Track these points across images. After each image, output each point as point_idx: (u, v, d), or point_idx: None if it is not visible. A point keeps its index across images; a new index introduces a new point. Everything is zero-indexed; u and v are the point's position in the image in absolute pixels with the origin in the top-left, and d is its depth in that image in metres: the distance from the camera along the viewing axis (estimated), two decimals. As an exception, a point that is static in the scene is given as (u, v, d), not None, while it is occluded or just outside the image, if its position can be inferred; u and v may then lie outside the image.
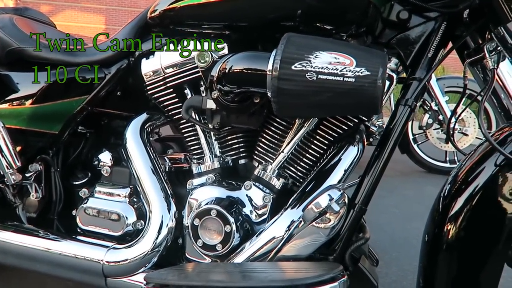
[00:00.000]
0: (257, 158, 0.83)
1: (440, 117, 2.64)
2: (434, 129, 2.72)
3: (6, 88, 0.92)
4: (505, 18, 0.66)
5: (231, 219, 0.73)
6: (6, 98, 0.91)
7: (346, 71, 0.59)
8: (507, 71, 0.76)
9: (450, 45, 0.81)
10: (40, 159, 0.92)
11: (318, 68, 0.59)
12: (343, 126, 0.78)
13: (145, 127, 0.89)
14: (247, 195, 0.78)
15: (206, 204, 0.76)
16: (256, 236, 0.74)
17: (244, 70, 0.69)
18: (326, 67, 0.59)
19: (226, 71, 0.71)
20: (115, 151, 0.93)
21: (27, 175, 0.91)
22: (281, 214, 0.74)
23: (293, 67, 0.60)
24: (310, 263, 0.68)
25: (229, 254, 0.75)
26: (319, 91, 0.60)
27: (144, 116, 0.90)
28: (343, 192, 0.68)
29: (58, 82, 0.90)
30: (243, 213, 0.76)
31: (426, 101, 2.67)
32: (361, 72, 0.59)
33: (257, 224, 0.76)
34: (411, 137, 2.78)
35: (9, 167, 0.87)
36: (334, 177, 0.76)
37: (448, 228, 0.73)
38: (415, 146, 2.78)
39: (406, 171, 2.85)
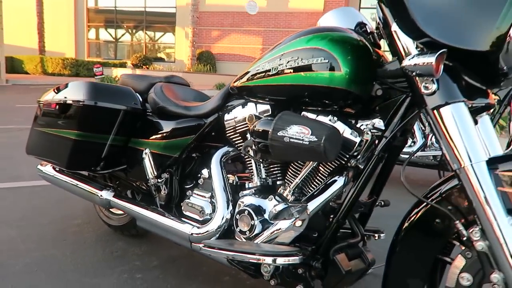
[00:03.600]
0: (285, 181, 1.29)
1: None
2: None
3: (154, 129, 1.60)
4: (424, 104, 0.97)
5: (255, 217, 1.22)
6: (153, 135, 1.59)
7: (305, 137, 1.02)
8: None
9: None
10: (168, 171, 1.58)
11: (290, 135, 1.04)
12: (332, 166, 1.18)
13: (223, 156, 1.44)
14: (269, 204, 1.25)
15: (244, 206, 1.27)
16: (269, 228, 1.21)
17: (261, 130, 1.18)
18: (294, 134, 1.04)
19: (254, 129, 1.21)
20: (210, 169, 1.51)
21: (160, 180, 1.57)
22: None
23: (278, 134, 1.07)
24: (291, 247, 1.12)
25: (254, 237, 1.23)
26: (291, 148, 1.05)
27: (224, 149, 1.46)
28: (304, 206, 1.10)
29: (180, 126, 1.53)
30: (264, 214, 1.24)
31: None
32: (312, 138, 1.01)
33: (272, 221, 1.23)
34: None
35: (151, 175, 1.55)
36: (322, 197, 1.17)
37: (395, 238, 1.07)
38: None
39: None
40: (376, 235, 1.34)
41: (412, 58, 0.91)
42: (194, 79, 12.67)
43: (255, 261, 1.13)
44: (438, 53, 0.86)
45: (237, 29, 16.83)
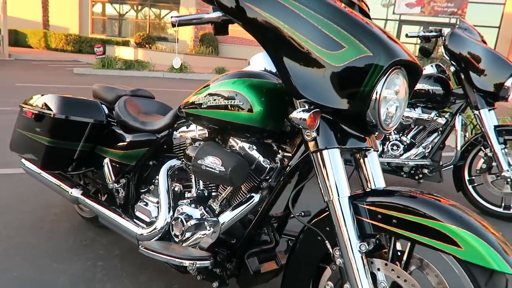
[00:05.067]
0: (218, 194, 1.54)
1: (494, 164, 2.75)
2: (489, 174, 2.83)
3: (116, 140, 1.85)
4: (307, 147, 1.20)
5: (186, 224, 1.48)
6: (114, 145, 1.84)
7: (216, 166, 1.27)
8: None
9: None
10: (125, 176, 1.83)
11: (206, 163, 1.29)
12: (249, 186, 1.43)
13: (170, 167, 1.69)
14: (199, 213, 1.51)
15: (179, 214, 1.53)
16: (195, 235, 1.47)
17: (189, 154, 1.42)
18: (209, 163, 1.29)
19: (186, 152, 1.45)
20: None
21: (118, 185, 1.83)
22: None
23: (198, 161, 1.32)
24: (204, 252, 1.38)
25: (184, 241, 1.50)
26: (206, 173, 1.30)
27: (172, 161, 1.70)
28: (216, 220, 1.36)
29: (136, 140, 1.78)
30: (194, 221, 1.49)
31: (482, 148, 2.81)
32: (222, 168, 1.26)
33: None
34: (467, 178, 2.93)
35: (110, 180, 1.81)
36: (233, 213, 1.41)
37: (293, 245, 1.32)
38: (470, 187, 2.92)
39: (460, 209, 3.00)
40: (297, 240, 1.59)
41: (298, 112, 1.14)
42: (195, 61, 12.82)
43: (178, 264, 1.40)
44: (312, 111, 1.09)
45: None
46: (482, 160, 2.83)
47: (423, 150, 2.94)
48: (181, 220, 1.50)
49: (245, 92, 1.31)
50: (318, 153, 1.16)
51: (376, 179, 1.26)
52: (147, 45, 16.58)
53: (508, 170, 2.67)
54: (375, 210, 1.11)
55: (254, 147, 1.40)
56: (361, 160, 1.29)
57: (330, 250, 1.17)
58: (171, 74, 11.18)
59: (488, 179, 2.83)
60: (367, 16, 1.29)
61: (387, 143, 3.06)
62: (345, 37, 1.06)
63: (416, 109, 2.99)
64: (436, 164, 2.94)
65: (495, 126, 2.74)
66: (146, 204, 1.74)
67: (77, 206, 2.30)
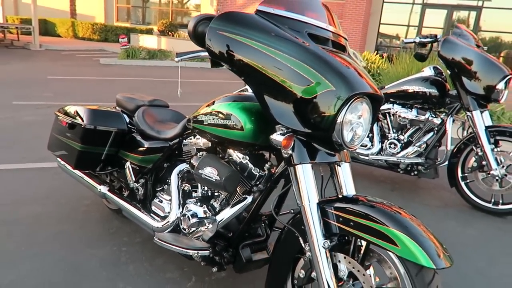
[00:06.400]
0: (219, 194, 1.85)
1: (484, 162, 2.94)
2: (480, 172, 3.02)
3: (136, 146, 2.18)
4: (286, 162, 1.48)
5: (192, 219, 1.80)
6: (134, 150, 2.17)
7: (213, 175, 1.57)
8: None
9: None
10: (143, 177, 2.17)
11: (205, 173, 1.59)
12: (242, 189, 1.72)
13: (180, 171, 2.00)
14: (202, 210, 1.82)
15: (186, 211, 1.85)
16: (199, 229, 1.79)
17: (193, 163, 1.72)
18: (208, 173, 1.59)
19: (190, 161, 1.76)
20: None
21: (138, 184, 2.17)
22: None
23: (198, 171, 1.62)
24: (205, 243, 1.70)
25: (190, 234, 1.82)
26: (206, 181, 1.60)
27: (182, 165, 2.01)
28: (215, 219, 1.66)
29: (152, 146, 2.10)
30: (198, 218, 1.81)
31: (474, 147, 2.99)
32: (217, 178, 1.56)
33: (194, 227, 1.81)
34: (460, 175, 3.12)
35: (130, 180, 2.15)
36: (228, 212, 1.71)
37: (278, 237, 1.61)
38: (462, 184, 3.12)
39: (453, 203, 3.22)
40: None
41: (276, 135, 1.41)
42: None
43: (185, 253, 1.72)
44: (287, 135, 1.37)
45: (261, -2, 16.83)
46: (473, 159, 3.02)
47: (419, 148, 3.15)
48: (188, 216, 1.82)
49: (238, 113, 1.59)
50: (294, 167, 1.43)
51: (348, 186, 1.53)
52: (170, 33, 16.90)
53: (496, 169, 2.86)
54: (338, 214, 1.38)
55: (247, 157, 1.69)
56: (336, 170, 1.55)
57: (303, 244, 1.45)
58: (193, 63, 11.51)
59: (479, 176, 3.02)
60: (343, 48, 1.52)
61: (386, 141, 3.28)
62: (313, 74, 1.31)
63: (412, 110, 3.19)
64: (431, 161, 3.15)
65: (487, 127, 2.92)
66: (161, 201, 2.07)
67: (104, 200, 2.66)
